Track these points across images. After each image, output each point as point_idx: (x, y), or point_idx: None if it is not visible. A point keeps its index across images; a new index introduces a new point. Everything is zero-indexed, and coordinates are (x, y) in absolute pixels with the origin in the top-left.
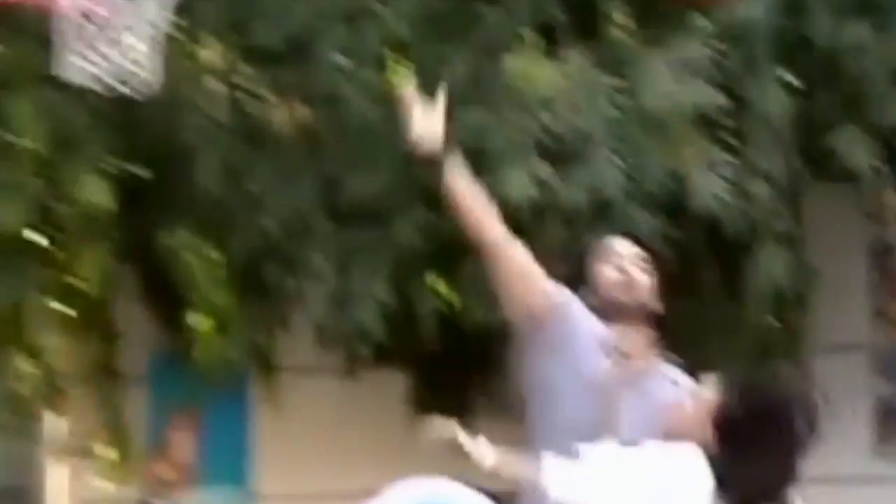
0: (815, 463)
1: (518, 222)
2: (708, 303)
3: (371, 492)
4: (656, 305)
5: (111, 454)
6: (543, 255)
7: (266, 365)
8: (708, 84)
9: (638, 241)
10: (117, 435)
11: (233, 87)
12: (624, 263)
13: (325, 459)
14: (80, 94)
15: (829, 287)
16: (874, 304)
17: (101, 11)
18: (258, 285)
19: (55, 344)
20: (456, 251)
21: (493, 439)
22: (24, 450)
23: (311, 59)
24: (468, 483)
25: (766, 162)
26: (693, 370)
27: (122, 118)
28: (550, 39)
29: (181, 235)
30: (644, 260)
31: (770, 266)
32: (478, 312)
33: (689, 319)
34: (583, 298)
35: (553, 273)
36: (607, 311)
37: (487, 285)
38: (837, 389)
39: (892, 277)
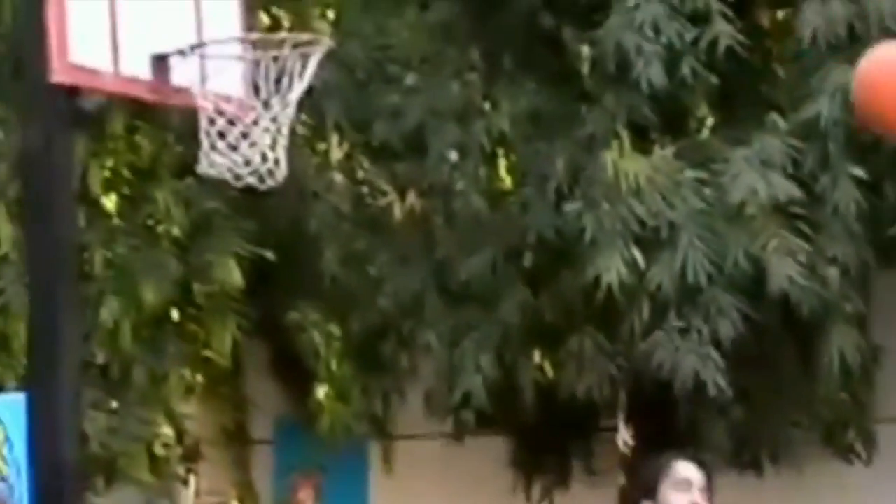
0: None
1: (612, 303)
2: (784, 378)
3: None
4: None
5: None
6: None
7: (382, 431)
8: (785, 178)
9: (702, 464)
10: (247, 494)
11: (354, 180)
12: (695, 496)
13: None
14: (215, 185)
15: (894, 363)
16: None
17: (235, 108)
18: (375, 359)
19: (192, 410)
20: (555, 330)
21: (587, 500)
22: None
23: (425, 154)
24: None
25: (837, 249)
26: (770, 441)
27: (253, 207)
28: (643, 137)
29: (306, 313)
30: (706, 489)
31: (841, 344)
32: (575, 385)
33: (766, 393)
34: None
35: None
36: None
37: (584, 362)
38: None
39: None
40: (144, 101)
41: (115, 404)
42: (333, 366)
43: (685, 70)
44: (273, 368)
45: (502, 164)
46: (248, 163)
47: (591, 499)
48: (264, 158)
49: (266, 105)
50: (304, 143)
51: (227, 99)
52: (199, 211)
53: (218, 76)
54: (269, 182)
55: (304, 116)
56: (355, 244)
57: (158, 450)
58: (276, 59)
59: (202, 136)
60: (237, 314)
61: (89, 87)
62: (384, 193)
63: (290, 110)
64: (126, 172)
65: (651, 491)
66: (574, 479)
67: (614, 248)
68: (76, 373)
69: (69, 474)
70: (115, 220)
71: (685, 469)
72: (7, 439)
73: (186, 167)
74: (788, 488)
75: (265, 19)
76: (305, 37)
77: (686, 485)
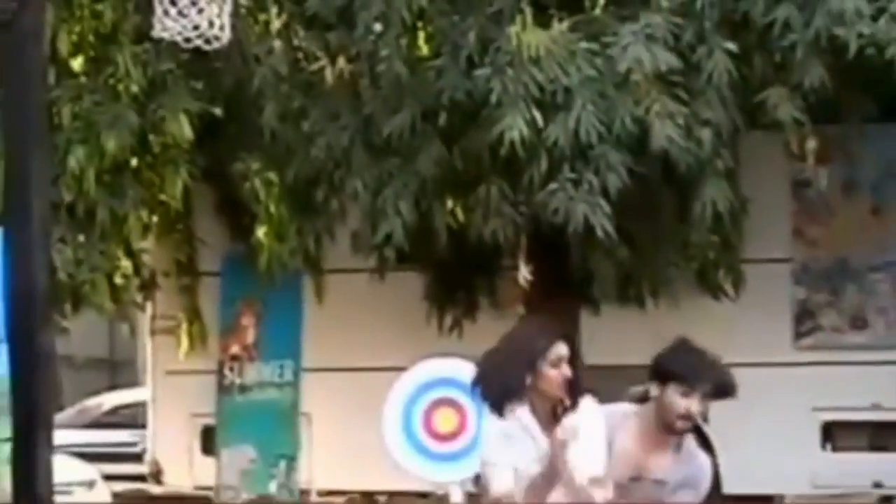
0: (746, 352)
1: (514, 157)
2: (664, 224)
3: (396, 368)
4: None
5: (191, 335)
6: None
7: (314, 266)
8: (666, 50)
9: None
10: (196, 319)
11: (291, 46)
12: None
13: (359, 342)
14: (169, 49)
15: (759, 213)
16: (794, 226)
17: None
18: (309, 203)
19: (148, 246)
20: (466, 180)
21: (491, 329)
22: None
23: (354, 25)
24: (473, 361)
25: (710, 113)
26: (651, 279)
27: (202, 69)
28: (544, 13)
29: (249, 163)
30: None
31: (712, 195)
32: (482, 228)
33: (648, 237)
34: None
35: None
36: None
37: (490, 208)
38: (764, 294)
39: (809, 205)
40: None
41: (80, 239)
42: (272, 209)
43: None
44: (219, 211)
45: (421, 34)
46: (196, 28)
47: (495, 328)
48: (211, 24)
49: None
50: (247, 13)
51: None
52: (154, 71)
53: None
54: (216, 45)
55: None
56: (292, 103)
57: (119, 280)
58: None
59: (156, 3)
60: (188, 163)
61: None
62: (317, 59)
63: None
64: (91, 37)
65: (532, 366)
66: (480, 311)
67: (517, 110)
68: (45, 211)
69: (39, 299)
70: (81, 79)
71: (560, 348)
72: None
73: (143, 33)
74: (666, 320)
75: None
76: None
77: (559, 361)
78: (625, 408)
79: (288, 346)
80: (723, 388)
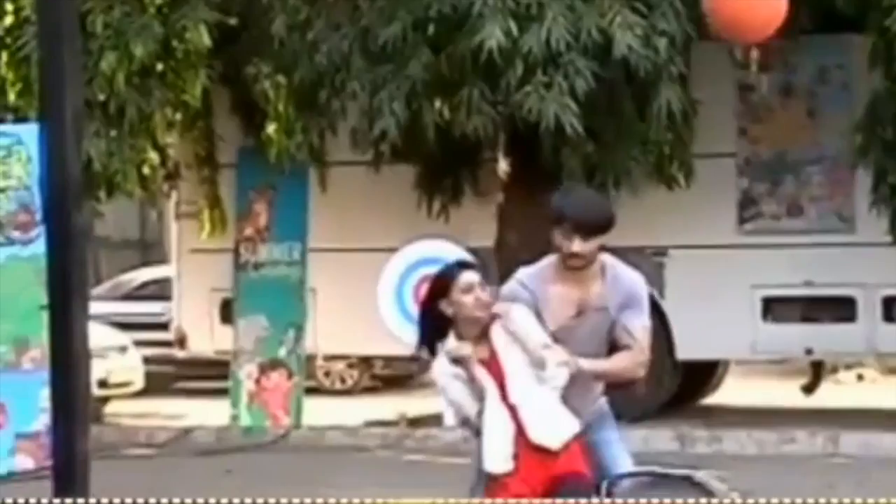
0: (696, 236)
1: (493, 63)
2: (625, 122)
3: (390, 249)
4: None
5: (211, 219)
6: None
7: (318, 159)
8: None
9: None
10: (215, 205)
11: None
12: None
13: (358, 225)
14: None
15: (708, 113)
16: (739, 125)
17: None
18: (313, 103)
19: (172, 141)
20: (451, 83)
21: (474, 214)
22: (152, 215)
23: None
24: (457, 242)
25: (666, 24)
26: (614, 170)
27: None
28: None
29: (260, 67)
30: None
31: (667, 97)
32: (466, 125)
33: (611, 134)
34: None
35: None
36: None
37: (472, 107)
38: (712, 184)
39: (752, 107)
40: None
41: (112, 134)
42: (281, 108)
43: None
44: (235, 110)
45: None
46: None
47: (477, 212)
48: None
49: None
50: None
51: None
52: None
53: None
54: None
55: None
56: (298, 14)
57: (147, 170)
58: None
59: None
60: (207, 67)
61: None
62: None
63: None
64: None
65: (447, 296)
66: (464, 198)
67: (495, 21)
68: (79, 107)
69: (73, 184)
70: None
71: (467, 276)
72: (29, 158)
73: None
74: (626, 207)
75: None
76: None
77: (470, 287)
78: (549, 259)
79: (295, 229)
80: (597, 224)
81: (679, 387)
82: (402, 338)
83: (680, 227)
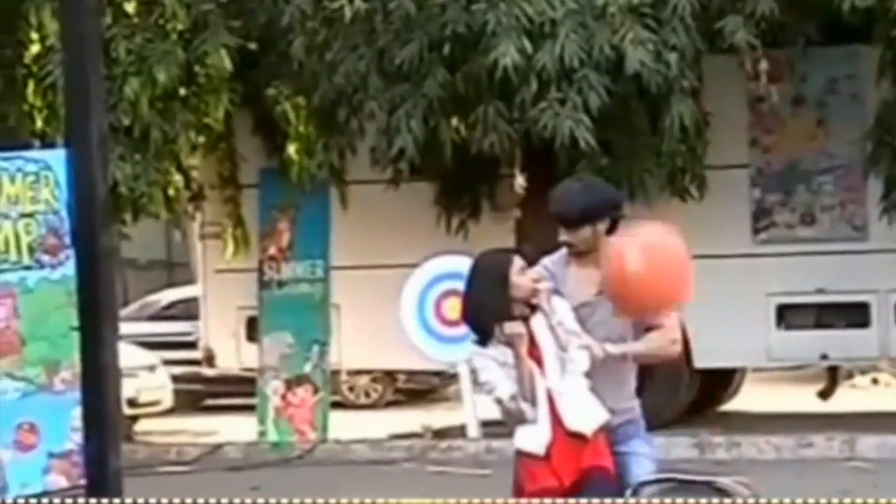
0: (711, 246)
1: (508, 80)
2: (638, 136)
3: (410, 264)
4: None
5: (235, 239)
6: None
7: (339, 178)
8: None
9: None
10: (238, 224)
11: None
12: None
13: (379, 242)
14: None
15: (720, 125)
16: (751, 137)
17: None
18: (332, 123)
19: (196, 163)
20: (467, 100)
21: (492, 229)
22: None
23: None
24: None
25: (676, 39)
26: (628, 183)
27: (239, 8)
28: None
29: (280, 89)
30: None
31: (679, 110)
32: (482, 142)
33: (625, 147)
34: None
35: None
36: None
37: (489, 125)
38: (725, 195)
39: (763, 118)
40: None
41: (137, 158)
42: (301, 128)
43: None
44: (256, 131)
45: None
46: None
47: (495, 228)
48: None
49: None
50: None
51: None
52: (197, 12)
53: None
54: None
55: None
56: (317, 37)
57: (171, 192)
58: None
59: None
60: (228, 91)
61: None
62: None
63: None
64: None
65: (505, 280)
66: (482, 213)
67: (510, 39)
68: (103, 131)
69: (100, 207)
70: (134, 20)
71: (518, 260)
72: (57, 183)
73: None
74: (641, 218)
75: None
76: None
77: (523, 269)
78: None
79: (318, 247)
80: (570, 217)
81: (697, 394)
82: (425, 351)
83: (695, 238)
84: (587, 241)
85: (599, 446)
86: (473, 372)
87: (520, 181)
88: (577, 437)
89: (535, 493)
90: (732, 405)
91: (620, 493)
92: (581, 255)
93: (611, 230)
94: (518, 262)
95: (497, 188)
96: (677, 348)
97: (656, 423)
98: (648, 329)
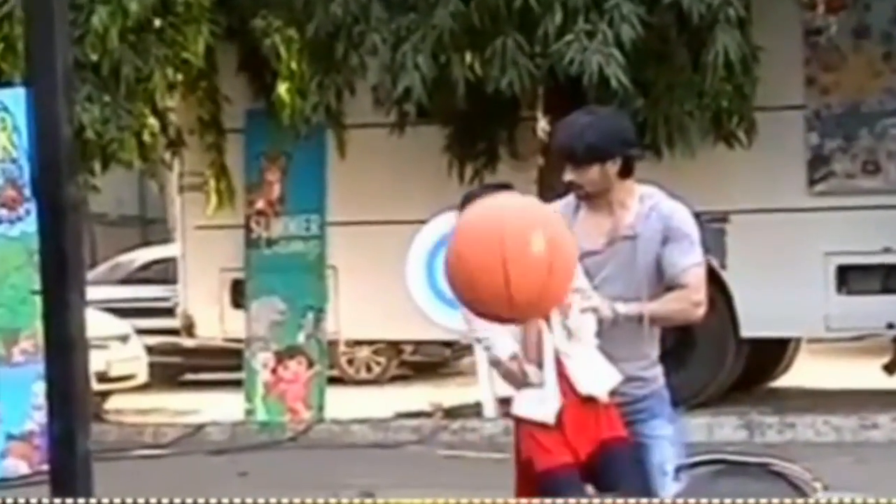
0: (761, 199)
1: (529, 9)
2: (678, 73)
3: (418, 221)
4: None
5: (218, 191)
6: None
7: (336, 121)
8: None
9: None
10: (222, 175)
11: None
12: None
13: (382, 195)
14: None
15: (771, 61)
16: (807, 74)
17: None
18: (329, 59)
19: (173, 104)
20: (482, 33)
21: (511, 179)
22: (153, 189)
23: None
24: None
25: None
26: (666, 128)
27: None
28: None
29: (269, 20)
30: None
31: (725, 43)
32: (499, 80)
33: (663, 86)
34: None
35: None
36: None
37: (507, 60)
38: (777, 141)
39: (821, 53)
40: None
41: (106, 98)
42: (293, 65)
43: None
44: (242, 68)
45: None
46: None
47: (514, 178)
48: None
49: None
50: None
51: None
52: None
53: None
54: None
55: None
56: None
57: (146, 138)
58: None
59: None
60: (210, 21)
61: None
62: None
63: None
64: None
65: None
66: (500, 162)
67: None
68: (69, 68)
69: (64, 154)
70: None
71: None
72: (15, 128)
73: None
74: (682, 168)
75: None
76: None
77: None
78: None
79: (312, 201)
80: (575, 152)
81: (745, 368)
82: (435, 320)
83: (742, 190)
84: (595, 183)
85: (612, 416)
86: (469, 324)
87: (542, 125)
88: (591, 402)
89: (549, 469)
90: (785, 381)
91: (643, 473)
92: (590, 199)
93: (624, 172)
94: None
95: (516, 133)
96: (700, 312)
97: (698, 400)
98: (669, 288)
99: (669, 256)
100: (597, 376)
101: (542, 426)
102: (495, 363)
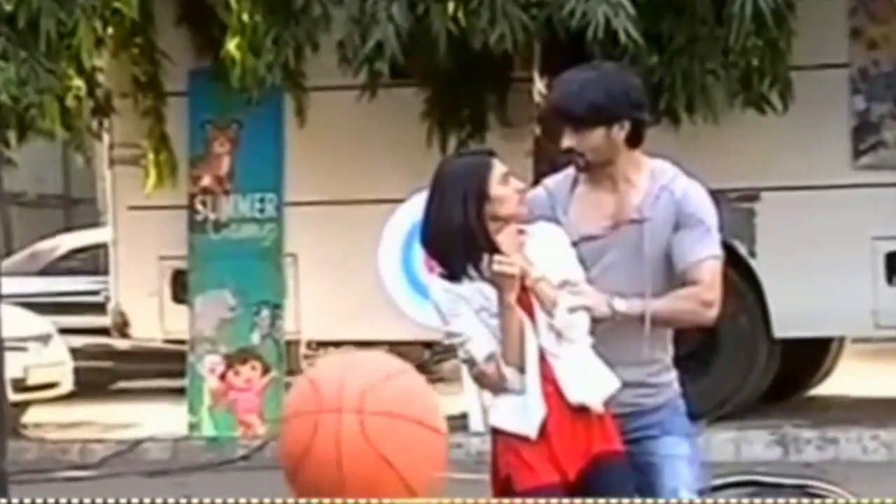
0: (797, 174)
1: None
2: (698, 25)
3: (393, 200)
4: None
5: (157, 165)
6: None
7: (295, 83)
8: None
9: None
10: (161, 146)
11: None
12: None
13: (350, 170)
14: None
15: (810, 12)
16: (851, 27)
17: None
18: (287, 9)
19: (102, 63)
20: None
21: (502, 151)
22: (78, 163)
23: None
24: None
25: None
26: (686, 90)
27: None
28: None
29: None
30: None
31: None
32: (488, 34)
33: (680, 41)
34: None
35: None
36: None
37: (497, 10)
38: (817, 106)
39: (868, 2)
40: None
41: (24, 56)
42: (244, 16)
43: None
44: (185, 20)
45: None
46: None
47: (505, 150)
48: None
49: None
50: None
51: None
52: None
53: None
54: None
55: None
56: None
57: (70, 102)
58: None
59: None
60: None
61: None
62: None
63: None
64: None
65: (484, 192)
66: (489, 131)
67: None
68: None
69: None
70: None
71: (499, 165)
72: None
73: None
74: (704, 137)
75: None
76: None
77: (506, 177)
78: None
79: (268, 177)
80: (575, 111)
81: (778, 374)
82: (412, 315)
83: (775, 164)
84: (598, 151)
85: (607, 426)
86: (442, 317)
87: (538, 87)
88: (582, 411)
89: (531, 489)
90: (825, 388)
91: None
92: (591, 170)
93: (632, 140)
94: (499, 166)
95: (508, 97)
96: (712, 314)
97: (723, 412)
98: (682, 284)
99: (680, 246)
100: (590, 381)
101: (524, 439)
102: (469, 363)
